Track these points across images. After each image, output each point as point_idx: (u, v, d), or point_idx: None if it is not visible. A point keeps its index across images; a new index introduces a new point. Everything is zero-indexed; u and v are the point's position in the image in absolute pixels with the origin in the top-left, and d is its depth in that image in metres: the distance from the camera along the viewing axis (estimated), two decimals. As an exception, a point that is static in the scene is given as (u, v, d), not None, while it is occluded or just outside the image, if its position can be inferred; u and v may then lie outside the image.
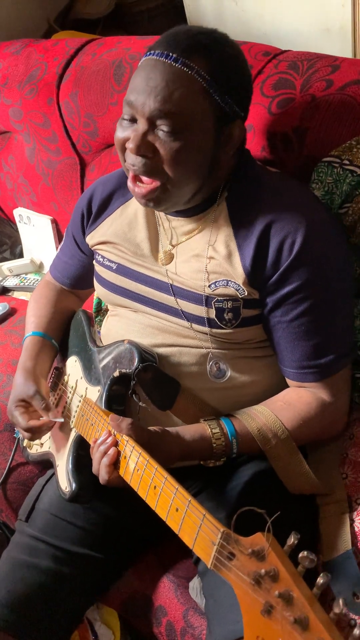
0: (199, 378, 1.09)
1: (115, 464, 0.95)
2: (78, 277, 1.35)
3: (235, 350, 1.09)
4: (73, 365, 1.25)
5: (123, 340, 1.11)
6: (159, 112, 0.95)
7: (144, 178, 1.01)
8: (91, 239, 1.22)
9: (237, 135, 1.01)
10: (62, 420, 1.16)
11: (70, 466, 1.12)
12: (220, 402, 1.10)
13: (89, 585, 1.17)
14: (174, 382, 1.09)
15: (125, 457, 0.94)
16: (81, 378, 1.20)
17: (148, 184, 1.01)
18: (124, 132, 1.00)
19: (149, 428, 0.98)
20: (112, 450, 0.95)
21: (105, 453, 0.96)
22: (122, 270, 1.15)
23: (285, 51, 1.36)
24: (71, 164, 1.76)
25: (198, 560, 1.11)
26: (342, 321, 1.05)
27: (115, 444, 0.96)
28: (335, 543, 1.05)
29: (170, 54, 0.95)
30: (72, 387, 1.22)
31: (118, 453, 0.95)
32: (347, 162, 1.15)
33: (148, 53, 0.98)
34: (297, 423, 1.04)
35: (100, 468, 0.96)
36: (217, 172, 1.03)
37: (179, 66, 0.94)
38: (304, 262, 1.00)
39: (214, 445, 1.01)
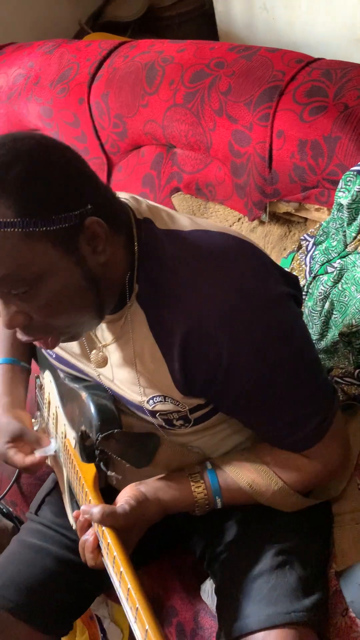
0: (173, 438, 1.02)
1: (99, 547, 0.90)
2: None
3: (205, 430, 1.01)
4: (50, 385, 1.18)
5: (81, 393, 1.01)
6: None
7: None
8: None
9: (98, 230, 0.81)
10: (55, 447, 1.11)
11: (72, 507, 1.09)
12: (203, 446, 1.04)
13: (96, 577, 1.15)
14: (151, 438, 1.01)
15: (104, 548, 0.88)
16: (59, 407, 1.13)
17: (46, 340, 0.88)
18: None
19: (124, 507, 0.91)
20: (90, 537, 0.91)
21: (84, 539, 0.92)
22: (61, 360, 1.06)
23: (319, 59, 1.37)
24: (99, 164, 1.77)
25: (210, 563, 1.11)
26: (308, 391, 0.93)
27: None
28: (349, 552, 1.05)
29: None
30: (54, 415, 1.15)
31: (97, 539, 0.90)
32: (378, 172, 1.16)
33: None
34: (292, 479, 0.98)
35: (85, 554, 0.92)
36: (107, 275, 0.85)
37: None
38: (238, 366, 0.87)
39: (197, 503, 0.97)
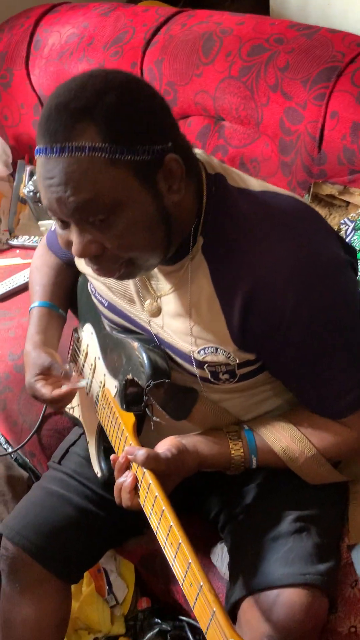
0: (210, 394, 1.04)
1: (136, 489, 0.92)
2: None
3: (244, 390, 1.03)
4: (90, 337, 1.20)
5: (133, 343, 1.04)
6: (78, 210, 0.82)
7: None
8: (78, 263, 1.11)
9: (175, 169, 0.84)
10: (85, 383, 1.13)
11: (99, 455, 1.12)
12: (239, 406, 1.06)
13: (112, 529, 1.19)
14: (190, 392, 1.03)
15: (144, 489, 0.90)
16: (99, 358, 1.15)
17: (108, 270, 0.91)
18: (63, 234, 0.89)
19: (166, 453, 0.93)
20: (129, 478, 0.93)
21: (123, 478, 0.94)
22: (113, 308, 1.09)
23: (380, 44, 1.37)
24: (144, 130, 1.78)
25: (225, 525, 1.13)
26: (358, 358, 0.96)
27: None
28: (362, 528, 1.07)
29: (53, 146, 0.80)
30: (92, 365, 1.18)
31: (136, 479, 0.92)
32: None
33: (36, 150, 0.85)
34: (326, 444, 1.00)
35: (122, 494, 0.94)
36: (178, 218, 0.88)
37: (68, 155, 0.80)
38: (300, 325, 0.90)
39: (233, 459, 1.00)
